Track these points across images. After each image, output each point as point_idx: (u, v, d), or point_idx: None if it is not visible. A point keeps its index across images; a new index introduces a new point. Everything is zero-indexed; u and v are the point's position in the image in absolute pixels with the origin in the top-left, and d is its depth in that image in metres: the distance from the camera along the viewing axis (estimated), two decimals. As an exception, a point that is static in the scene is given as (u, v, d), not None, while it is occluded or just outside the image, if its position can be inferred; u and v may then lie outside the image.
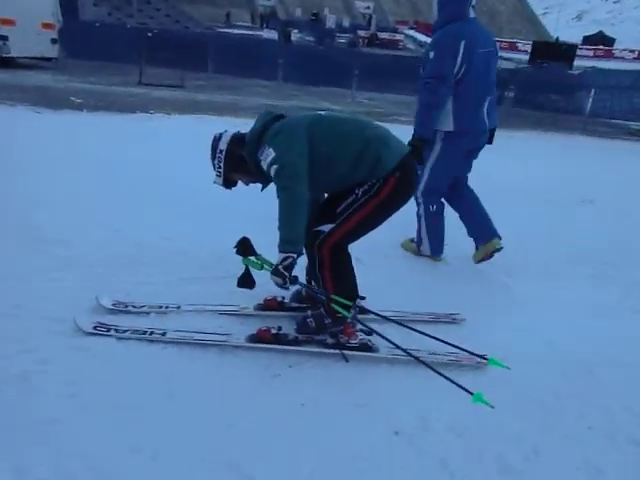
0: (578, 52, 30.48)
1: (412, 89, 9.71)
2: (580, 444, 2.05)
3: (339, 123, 2.49)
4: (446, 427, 2.07)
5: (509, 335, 2.69)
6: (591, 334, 2.83)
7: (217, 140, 2.50)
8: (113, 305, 2.67)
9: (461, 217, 3.66)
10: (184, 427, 1.93)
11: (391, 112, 10.93)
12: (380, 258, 3.51)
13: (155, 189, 4.46)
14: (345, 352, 2.44)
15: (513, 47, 41.75)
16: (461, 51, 3.14)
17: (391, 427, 2.04)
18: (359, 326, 2.46)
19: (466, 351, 2.22)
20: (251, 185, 2.64)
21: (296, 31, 31.98)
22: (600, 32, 55.59)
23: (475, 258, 3.58)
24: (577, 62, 25.85)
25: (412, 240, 3.82)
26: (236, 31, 27.89)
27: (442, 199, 3.63)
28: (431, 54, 3.23)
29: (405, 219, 3.68)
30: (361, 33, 38.38)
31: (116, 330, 2.45)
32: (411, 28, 46.52)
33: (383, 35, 38.92)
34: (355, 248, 2.54)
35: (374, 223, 2.52)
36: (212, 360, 2.34)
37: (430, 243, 3.66)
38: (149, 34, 14.27)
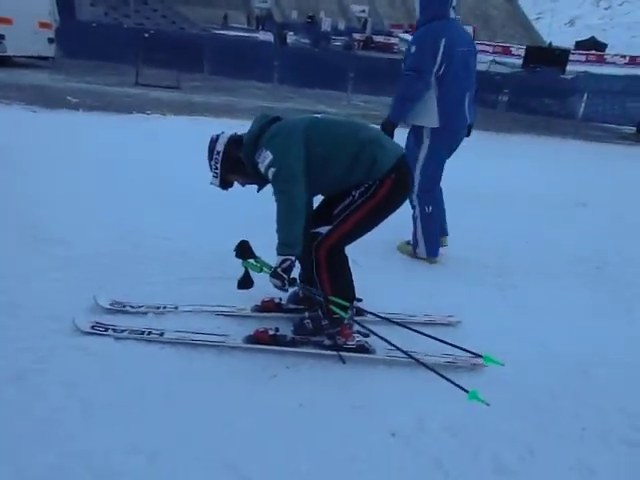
0: (571, 57, 30.72)
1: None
2: (574, 444, 2.07)
3: (335, 126, 2.51)
4: (442, 427, 2.09)
5: (504, 336, 2.71)
6: (586, 335, 2.86)
7: (214, 141, 2.52)
8: (111, 305, 2.68)
9: None
10: (182, 427, 1.94)
11: (386, 115, 10.95)
12: (376, 260, 3.52)
13: (154, 189, 4.47)
14: (342, 353, 2.45)
15: (507, 51, 41.99)
16: (441, 49, 3.27)
17: (388, 428, 2.06)
18: (356, 327, 2.48)
19: (461, 349, 2.24)
20: (247, 186, 2.66)
21: (292, 33, 32.05)
22: (592, 37, 56.06)
23: None
24: (570, 67, 26.06)
25: (408, 242, 3.85)
26: (232, 33, 27.87)
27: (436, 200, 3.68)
28: (412, 48, 3.36)
29: (401, 221, 3.72)
30: (356, 36, 38.47)
31: (114, 330, 2.46)
32: (406, 32, 46.59)
33: (378, 38, 39.06)
34: (351, 250, 2.56)
35: (371, 224, 2.54)
36: (210, 361, 2.35)
37: (426, 245, 3.69)
38: (146, 35, 14.28)
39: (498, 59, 24.56)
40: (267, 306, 2.80)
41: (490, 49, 42.51)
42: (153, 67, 12.83)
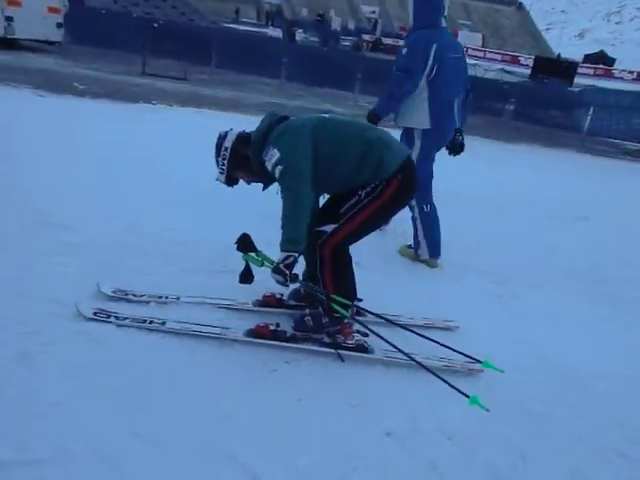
0: (579, 70, 30.76)
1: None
2: (568, 454, 2.09)
3: (342, 126, 2.54)
4: (437, 429, 2.11)
5: (502, 344, 2.73)
6: (585, 348, 2.88)
7: (222, 138, 2.54)
8: (113, 292, 2.69)
9: None
10: (183, 415, 1.96)
11: (392, 117, 10.96)
12: (378, 262, 3.55)
13: (160, 181, 4.47)
14: (341, 352, 2.47)
15: (515, 61, 42.05)
16: (432, 54, 3.44)
17: (383, 428, 2.08)
18: (356, 327, 2.50)
19: (461, 353, 2.26)
20: (252, 184, 2.68)
21: (301, 31, 32.00)
22: (601, 51, 55.99)
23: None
24: (577, 79, 26.12)
25: (409, 246, 3.88)
26: (241, 27, 27.86)
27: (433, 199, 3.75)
28: (404, 50, 3.57)
29: (403, 226, 3.75)
30: (365, 37, 38.43)
31: (116, 317, 2.47)
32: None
33: (387, 40, 39.02)
34: (353, 252, 2.57)
35: (376, 224, 2.58)
36: (211, 352, 2.37)
37: (428, 245, 3.73)
38: (155, 25, 14.24)
39: (507, 68, 24.58)
40: (268, 301, 2.82)
41: (499, 57, 42.60)
42: (161, 57, 12.80)
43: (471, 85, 3.82)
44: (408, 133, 3.67)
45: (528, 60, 37.40)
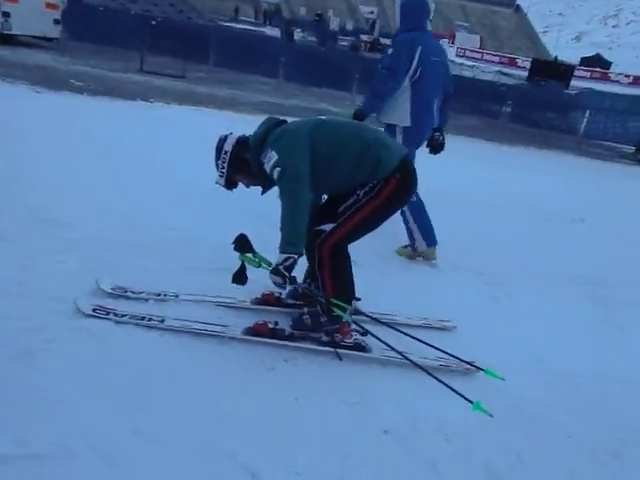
0: (575, 72, 30.94)
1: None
2: (564, 455, 2.10)
3: (339, 127, 2.56)
4: (435, 429, 2.12)
5: (498, 346, 2.74)
6: (580, 350, 2.89)
7: (222, 141, 2.55)
8: (112, 289, 2.69)
9: None
10: (182, 413, 1.97)
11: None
12: (375, 260, 3.56)
13: (159, 178, 4.46)
14: (339, 351, 2.49)
15: (513, 63, 42.12)
16: (417, 56, 3.58)
17: (381, 426, 2.09)
18: (354, 326, 2.51)
19: (463, 361, 2.28)
20: (252, 188, 2.69)
21: (299, 30, 31.98)
22: (598, 54, 56.19)
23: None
24: (574, 82, 26.28)
25: (405, 246, 3.90)
26: (240, 26, 27.82)
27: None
28: (389, 50, 3.75)
29: (400, 224, 3.77)
30: (363, 37, 38.44)
31: (115, 314, 2.47)
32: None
33: (385, 41, 39.04)
34: (351, 252, 2.58)
35: (374, 223, 2.58)
36: (209, 350, 2.37)
37: (422, 235, 3.78)
38: (153, 22, 14.23)
39: (504, 70, 24.67)
40: (267, 299, 2.83)
41: (496, 59, 42.66)
42: (158, 55, 12.79)
43: (454, 89, 3.93)
44: (390, 129, 3.78)
45: (525, 62, 37.51)
